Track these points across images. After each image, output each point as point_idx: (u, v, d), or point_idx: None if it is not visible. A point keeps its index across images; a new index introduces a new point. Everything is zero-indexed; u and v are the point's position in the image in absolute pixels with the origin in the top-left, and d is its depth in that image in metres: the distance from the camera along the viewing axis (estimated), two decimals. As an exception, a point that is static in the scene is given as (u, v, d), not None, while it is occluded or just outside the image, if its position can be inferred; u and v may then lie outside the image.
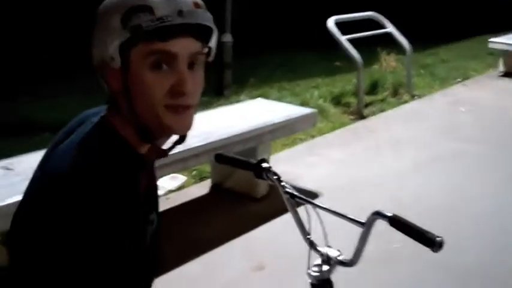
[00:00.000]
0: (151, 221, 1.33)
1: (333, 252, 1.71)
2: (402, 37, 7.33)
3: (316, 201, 1.71)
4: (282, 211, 3.97)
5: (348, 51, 6.41)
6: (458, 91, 7.85)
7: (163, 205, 4.14)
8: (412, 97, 7.36)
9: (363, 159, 5.21)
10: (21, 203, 1.19)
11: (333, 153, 5.32)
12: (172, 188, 4.40)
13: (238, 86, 7.41)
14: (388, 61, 8.53)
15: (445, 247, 1.47)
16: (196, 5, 1.16)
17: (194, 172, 4.65)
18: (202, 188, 4.48)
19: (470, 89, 8.00)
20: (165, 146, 1.27)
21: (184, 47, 1.15)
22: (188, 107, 1.19)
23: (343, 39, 6.44)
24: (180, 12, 1.12)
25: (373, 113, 6.66)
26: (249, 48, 8.72)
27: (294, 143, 5.49)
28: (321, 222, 1.67)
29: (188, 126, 1.22)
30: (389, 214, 1.57)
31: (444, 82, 8.25)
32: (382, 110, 6.79)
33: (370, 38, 7.03)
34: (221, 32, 7.38)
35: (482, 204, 4.34)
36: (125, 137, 1.20)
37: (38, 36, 7.92)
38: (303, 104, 6.37)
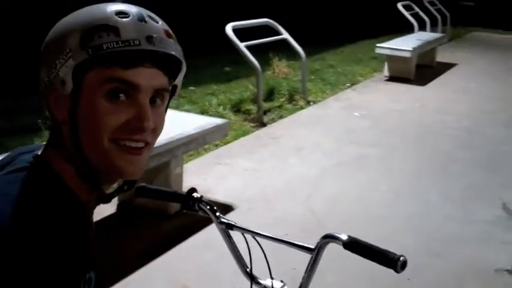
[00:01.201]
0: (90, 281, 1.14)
1: (276, 284, 1.60)
2: (296, 43, 7.40)
3: (255, 229, 1.58)
4: (200, 227, 3.85)
5: (247, 58, 6.35)
6: (349, 96, 8.07)
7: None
8: (308, 103, 7.45)
9: (271, 168, 5.16)
10: None
11: (240, 162, 5.22)
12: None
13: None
14: (280, 67, 8.61)
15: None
16: (168, 34, 1.03)
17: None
18: (109, 207, 4.20)
19: (359, 93, 8.26)
20: (109, 191, 1.10)
21: (149, 78, 1.00)
22: (143, 148, 1.03)
23: (242, 45, 6.36)
24: (150, 38, 0.98)
25: (273, 120, 6.65)
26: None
27: (199, 153, 5.32)
28: (263, 251, 1.54)
29: (141, 170, 1.05)
30: (343, 237, 1.47)
31: (334, 87, 8.46)
32: (281, 117, 6.80)
33: (259, 44, 6.99)
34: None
35: (394, 208, 4.44)
36: (64, 179, 1.02)
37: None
38: (203, 112, 6.26)
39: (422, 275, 3.48)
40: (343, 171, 5.19)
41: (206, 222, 3.98)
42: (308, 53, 7.62)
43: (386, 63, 9.14)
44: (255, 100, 6.80)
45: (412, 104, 7.68)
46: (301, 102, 7.39)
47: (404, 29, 11.57)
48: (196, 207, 1.66)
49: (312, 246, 1.53)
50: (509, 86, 9.11)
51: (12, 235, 0.91)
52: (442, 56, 10.88)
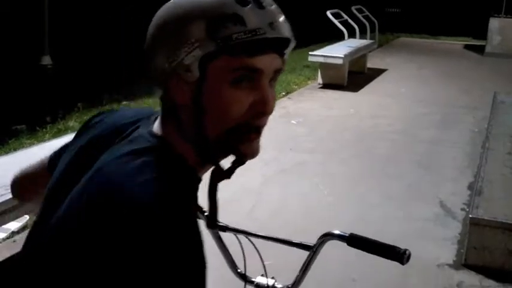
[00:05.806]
0: None
1: (268, 281, 1.64)
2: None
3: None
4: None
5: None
6: (286, 104, 8.16)
7: (12, 249, 3.69)
8: (246, 112, 7.47)
9: (213, 178, 5.14)
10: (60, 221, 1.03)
11: (182, 174, 5.19)
12: (15, 229, 3.94)
13: (65, 112, 6.96)
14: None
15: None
16: (283, 17, 1.05)
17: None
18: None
19: (295, 101, 8.36)
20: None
21: (270, 63, 1.02)
22: (261, 131, 1.07)
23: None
24: (272, 25, 0.99)
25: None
26: (72, 71, 8.26)
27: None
28: (258, 251, 1.63)
29: (259, 150, 1.09)
30: (345, 234, 1.50)
31: (271, 96, 8.51)
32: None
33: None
34: (40, 55, 6.98)
35: (337, 211, 4.52)
36: (188, 160, 1.06)
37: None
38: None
39: (367, 274, 3.55)
40: (285, 178, 5.24)
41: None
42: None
43: (319, 71, 9.30)
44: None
45: (347, 110, 7.85)
46: (239, 112, 7.41)
47: (334, 36, 11.81)
48: None
49: (311, 244, 1.56)
50: (437, 89, 9.44)
51: (144, 214, 0.92)
52: (372, 62, 11.18)
